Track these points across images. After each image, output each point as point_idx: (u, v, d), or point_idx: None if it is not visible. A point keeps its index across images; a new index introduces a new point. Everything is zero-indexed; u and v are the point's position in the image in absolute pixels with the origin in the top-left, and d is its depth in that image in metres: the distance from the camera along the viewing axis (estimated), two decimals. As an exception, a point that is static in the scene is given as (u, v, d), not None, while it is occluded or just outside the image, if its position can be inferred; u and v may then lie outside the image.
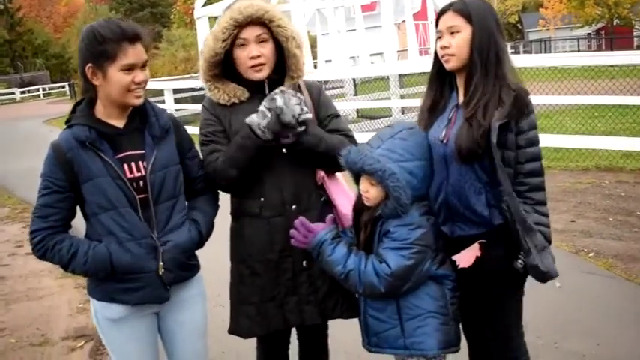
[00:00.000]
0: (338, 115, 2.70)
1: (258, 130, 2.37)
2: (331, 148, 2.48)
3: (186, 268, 2.41)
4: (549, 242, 2.40)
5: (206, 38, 2.52)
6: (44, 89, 48.39)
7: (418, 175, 2.29)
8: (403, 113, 13.82)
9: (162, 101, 15.64)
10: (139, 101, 2.27)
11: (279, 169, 2.52)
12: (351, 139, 2.62)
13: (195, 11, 16.90)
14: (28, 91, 48.05)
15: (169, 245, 2.31)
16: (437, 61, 2.47)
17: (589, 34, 41.59)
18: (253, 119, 2.39)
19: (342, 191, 2.68)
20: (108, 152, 2.24)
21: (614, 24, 40.76)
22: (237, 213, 2.63)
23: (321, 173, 2.63)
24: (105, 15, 44.86)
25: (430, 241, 2.31)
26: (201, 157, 2.54)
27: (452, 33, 2.38)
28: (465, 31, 2.36)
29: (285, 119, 2.35)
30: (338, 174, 2.69)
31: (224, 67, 2.53)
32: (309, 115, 2.41)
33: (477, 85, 2.36)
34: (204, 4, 16.38)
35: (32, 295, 5.42)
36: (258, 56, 2.46)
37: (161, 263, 2.29)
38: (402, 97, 13.95)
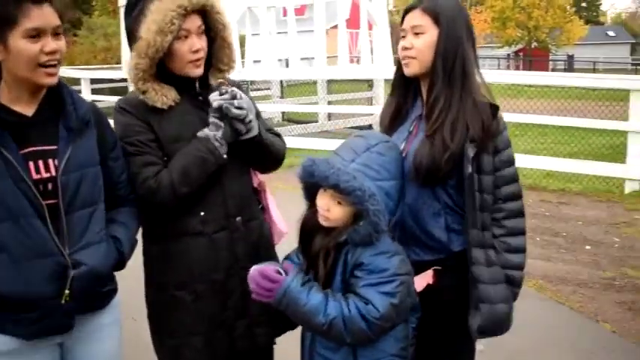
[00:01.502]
0: (260, 113, 2.44)
1: (217, 144, 2.10)
2: (273, 143, 2.30)
3: (98, 297, 2.02)
4: (518, 286, 2.18)
5: (140, 30, 2.09)
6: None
7: (394, 196, 1.99)
8: (330, 119, 13.70)
9: (79, 91, 14.89)
10: (51, 80, 1.85)
11: (220, 178, 2.21)
12: (281, 137, 2.42)
13: (119, -1, 16.17)
14: None
15: (83, 270, 1.88)
16: (400, 66, 2.21)
17: (508, 54, 42.92)
18: (208, 133, 2.11)
19: (271, 199, 2.48)
20: (10, 147, 1.81)
21: (533, 47, 42.31)
22: (166, 234, 2.24)
23: (261, 177, 2.40)
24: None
25: (409, 268, 2.01)
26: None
27: (416, 33, 2.12)
28: (431, 33, 2.11)
29: (232, 112, 2.10)
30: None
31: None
32: (252, 112, 2.16)
33: (437, 97, 2.10)
34: (130, -7, 15.66)
35: None
36: (200, 49, 2.15)
37: (67, 291, 1.86)
38: (330, 103, 13.81)
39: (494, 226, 2.13)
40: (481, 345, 2.16)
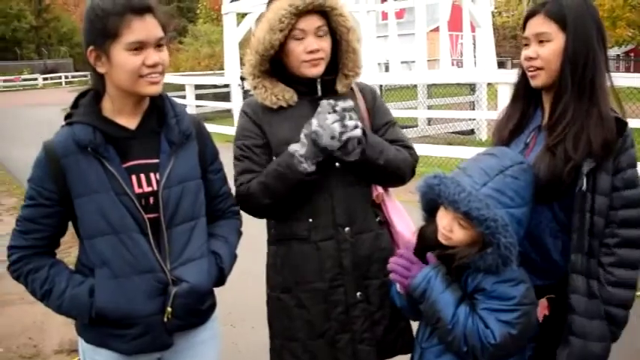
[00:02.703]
0: (395, 123, 2.32)
1: (296, 160, 2.01)
2: (392, 161, 2.14)
3: (199, 314, 1.96)
4: (619, 326, 1.92)
5: (256, 29, 2.14)
6: (67, 77, 48.37)
7: (525, 223, 1.83)
8: (430, 124, 13.42)
9: (183, 96, 15.37)
10: (154, 89, 1.81)
11: (331, 186, 2.13)
12: (411, 151, 2.26)
13: (222, 7, 16.57)
14: (51, 78, 48.13)
15: (184, 288, 1.85)
16: (524, 75, 2.03)
17: (618, 55, 40.79)
18: (293, 147, 2.04)
19: (398, 210, 2.32)
20: (114, 160, 1.80)
21: (645, 46, 40.01)
22: (278, 236, 2.23)
23: (380, 190, 2.27)
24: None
25: (533, 297, 1.85)
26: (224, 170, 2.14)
27: (541, 41, 1.93)
28: (557, 41, 1.91)
29: (322, 142, 1.97)
30: (390, 189, 2.33)
31: (272, 65, 2.16)
32: (358, 132, 2.00)
33: (566, 107, 1.91)
34: (233, 0, 16.05)
35: (29, 298, 4.97)
36: (318, 50, 2.09)
37: (169, 309, 1.83)
38: (430, 107, 13.51)
39: (604, 253, 1.90)
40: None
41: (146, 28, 1.76)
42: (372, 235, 2.22)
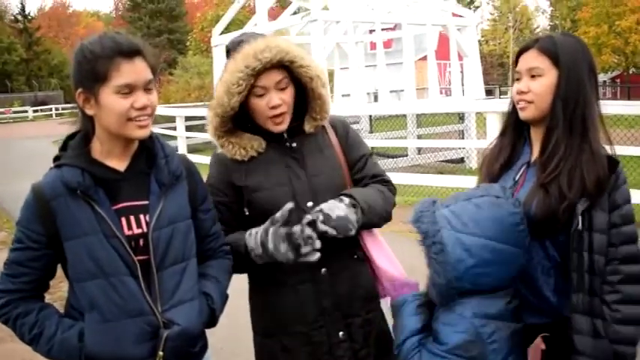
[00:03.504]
0: (371, 154, 2.32)
1: (253, 255, 2.07)
2: (368, 222, 2.14)
3: (190, 357, 1.93)
4: None
5: (218, 88, 2.10)
6: (57, 109, 48.35)
7: (476, 255, 1.78)
8: (420, 152, 13.49)
9: (174, 128, 15.38)
10: (142, 133, 1.80)
11: None
12: (389, 186, 2.28)
13: (212, 39, 16.72)
14: (41, 110, 48.16)
15: (175, 331, 1.82)
16: (514, 109, 2.05)
17: (605, 81, 41.28)
18: (250, 243, 2.07)
19: (378, 245, 2.29)
20: (104, 203, 1.79)
21: (631, 73, 40.54)
22: (256, 281, 2.23)
23: None
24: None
25: (478, 353, 1.78)
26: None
27: (532, 76, 1.95)
28: (550, 76, 1.93)
29: (278, 259, 2.02)
30: None
31: (236, 117, 2.14)
32: (315, 257, 2.00)
33: (557, 142, 1.92)
34: (222, 33, 16.20)
35: (19, 335, 4.93)
36: (280, 104, 2.08)
37: (161, 353, 1.80)
38: (420, 136, 13.60)
39: (607, 291, 1.86)
40: None
41: (135, 71, 1.76)
42: (349, 273, 2.20)
